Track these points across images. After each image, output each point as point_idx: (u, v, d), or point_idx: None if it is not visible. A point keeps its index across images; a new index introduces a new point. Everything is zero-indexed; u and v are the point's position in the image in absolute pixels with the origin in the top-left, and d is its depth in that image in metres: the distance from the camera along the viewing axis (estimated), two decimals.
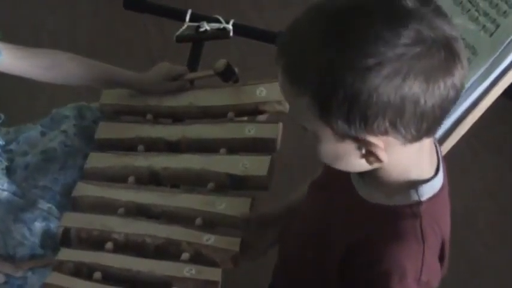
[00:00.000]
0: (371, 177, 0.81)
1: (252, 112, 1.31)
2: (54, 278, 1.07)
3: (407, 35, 0.67)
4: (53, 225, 1.20)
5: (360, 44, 0.67)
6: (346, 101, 0.68)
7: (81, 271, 1.08)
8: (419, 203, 0.79)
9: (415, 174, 0.80)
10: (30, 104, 2.03)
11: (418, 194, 0.79)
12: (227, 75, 1.32)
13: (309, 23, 0.71)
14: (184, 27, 1.45)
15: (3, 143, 1.36)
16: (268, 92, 1.29)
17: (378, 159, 0.74)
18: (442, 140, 1.18)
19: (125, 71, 1.38)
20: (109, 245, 1.11)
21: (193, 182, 1.23)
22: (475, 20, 1.24)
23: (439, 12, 0.70)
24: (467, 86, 1.16)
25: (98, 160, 1.27)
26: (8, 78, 1.34)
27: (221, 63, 1.31)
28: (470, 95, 1.20)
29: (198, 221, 1.14)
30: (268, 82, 1.29)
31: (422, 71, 0.68)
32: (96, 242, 1.13)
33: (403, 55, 0.66)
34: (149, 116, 1.35)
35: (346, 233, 0.84)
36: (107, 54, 1.39)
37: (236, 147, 1.24)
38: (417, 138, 0.74)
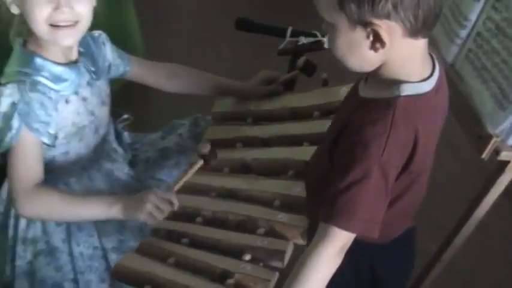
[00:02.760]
0: (372, 77, 0.98)
1: (335, 110, 1.44)
2: (150, 240, 1.27)
3: None
4: None
5: None
6: None
7: (172, 237, 1.27)
8: (398, 97, 0.94)
9: (404, 76, 0.95)
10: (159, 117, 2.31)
11: (399, 90, 0.94)
12: (309, 70, 1.49)
13: None
14: (285, 42, 1.63)
15: (130, 141, 1.62)
16: None
17: (383, 43, 0.90)
18: None
19: (230, 80, 1.59)
20: (198, 219, 1.30)
21: (276, 170, 1.37)
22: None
23: None
24: None
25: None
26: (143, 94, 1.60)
27: (301, 60, 1.48)
28: None
29: (276, 202, 1.29)
30: (349, 84, 1.41)
31: None
32: (187, 217, 1.32)
33: None
34: (249, 120, 1.54)
35: (339, 122, 1.02)
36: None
37: (318, 140, 1.36)
38: (415, 28, 0.90)
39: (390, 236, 1.15)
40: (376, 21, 0.90)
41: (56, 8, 1.22)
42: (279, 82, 1.55)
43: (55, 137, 1.31)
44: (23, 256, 1.42)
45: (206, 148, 1.37)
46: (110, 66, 1.46)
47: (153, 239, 1.28)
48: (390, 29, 0.91)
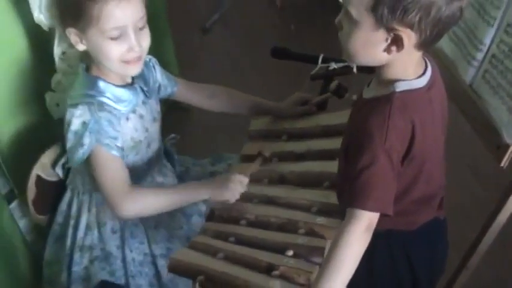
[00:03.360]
0: (375, 79, 1.14)
1: None
2: (199, 238, 1.40)
3: None
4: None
5: None
6: None
7: (220, 236, 1.40)
8: (394, 92, 1.09)
9: (401, 75, 1.10)
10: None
11: (394, 87, 1.09)
12: (340, 93, 1.63)
13: None
14: (317, 68, 1.78)
15: (176, 157, 1.76)
16: None
17: (400, 47, 1.06)
18: None
19: (266, 101, 1.74)
20: (242, 222, 1.43)
21: (312, 181, 1.49)
22: None
23: None
24: None
25: (242, 168, 1.57)
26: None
27: (334, 84, 1.63)
28: None
29: (314, 208, 1.41)
30: None
31: None
32: (232, 220, 1.44)
33: None
34: (284, 137, 1.67)
35: (349, 124, 1.20)
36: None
37: None
38: (426, 41, 1.06)
39: (416, 223, 1.27)
40: (401, 28, 1.05)
41: (129, 49, 1.39)
42: (312, 103, 1.69)
43: (122, 149, 1.45)
44: (80, 262, 1.55)
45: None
46: (159, 87, 1.62)
47: (202, 237, 1.41)
48: (409, 37, 1.06)
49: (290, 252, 1.29)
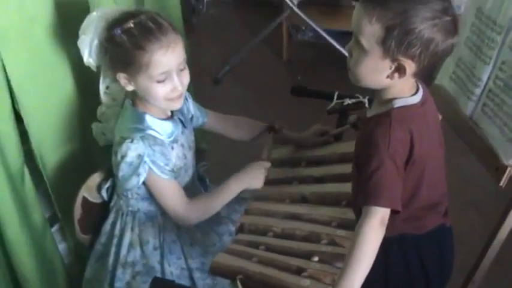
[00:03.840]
0: (376, 100, 1.34)
1: None
2: (234, 246, 1.57)
3: (443, 7, 1.22)
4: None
5: (425, 2, 1.21)
6: (405, 33, 1.21)
7: (251, 245, 1.56)
8: (393, 108, 1.29)
9: (397, 95, 1.31)
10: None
11: (393, 104, 1.29)
12: (357, 125, 1.81)
13: None
14: (333, 104, 1.97)
15: (208, 182, 1.93)
16: None
17: (402, 75, 1.27)
18: None
19: (287, 131, 1.92)
20: (270, 234, 1.59)
21: (331, 201, 1.66)
22: None
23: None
24: None
25: (265, 190, 1.78)
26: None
27: (352, 117, 1.81)
28: None
29: (334, 223, 1.57)
30: None
31: (445, 28, 1.22)
32: (260, 232, 1.61)
33: (440, 17, 1.21)
34: (303, 163, 1.85)
35: (356, 142, 1.39)
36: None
37: None
38: (421, 71, 1.28)
39: (425, 227, 1.45)
40: (404, 59, 1.26)
41: (173, 89, 1.58)
42: (330, 134, 1.88)
43: (173, 171, 1.64)
44: (122, 278, 1.70)
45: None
46: (192, 117, 1.81)
47: (235, 245, 1.57)
48: (410, 66, 1.27)
49: (316, 258, 1.44)
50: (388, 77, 1.30)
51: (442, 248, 1.49)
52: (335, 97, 1.95)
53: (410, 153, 1.31)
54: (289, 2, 3.29)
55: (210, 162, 2.65)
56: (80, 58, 1.64)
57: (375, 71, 1.30)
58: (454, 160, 2.66)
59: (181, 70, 1.60)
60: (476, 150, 1.74)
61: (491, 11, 1.72)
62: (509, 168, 1.60)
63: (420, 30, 1.21)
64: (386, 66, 1.28)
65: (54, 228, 1.96)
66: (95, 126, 1.78)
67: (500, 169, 1.62)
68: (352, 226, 1.50)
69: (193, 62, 3.46)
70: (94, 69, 1.67)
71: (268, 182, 1.80)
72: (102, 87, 1.72)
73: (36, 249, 1.83)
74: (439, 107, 1.92)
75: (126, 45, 1.52)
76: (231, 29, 4.18)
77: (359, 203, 1.30)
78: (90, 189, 1.73)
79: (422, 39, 1.22)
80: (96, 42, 1.58)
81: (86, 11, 1.77)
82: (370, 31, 1.25)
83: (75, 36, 1.63)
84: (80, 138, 1.89)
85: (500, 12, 1.67)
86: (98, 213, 1.77)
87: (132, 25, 1.52)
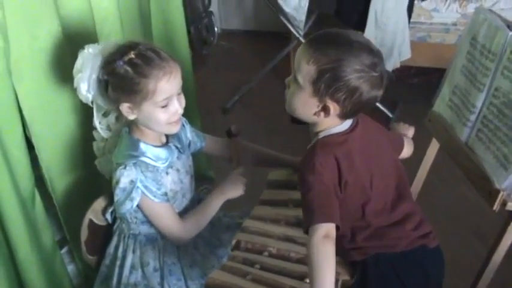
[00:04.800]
0: (310, 134, 1.47)
1: None
2: (229, 263, 1.61)
3: (372, 63, 1.35)
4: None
5: (357, 56, 1.34)
6: (334, 78, 1.34)
7: (246, 263, 1.61)
8: (318, 140, 1.42)
9: (323, 129, 1.45)
10: None
11: (317, 136, 1.43)
12: None
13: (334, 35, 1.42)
14: None
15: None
16: None
17: (326, 114, 1.40)
18: None
19: (286, 155, 1.98)
20: (265, 253, 1.64)
21: None
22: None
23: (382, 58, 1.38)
24: None
25: (261, 211, 1.83)
26: None
27: None
28: None
29: None
30: None
31: (370, 82, 1.36)
32: (256, 251, 1.66)
33: (368, 72, 1.35)
34: (299, 187, 1.89)
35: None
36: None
37: None
38: (346, 115, 1.42)
39: (396, 246, 1.51)
40: (330, 101, 1.40)
41: (174, 113, 1.64)
42: None
43: (166, 194, 1.70)
44: None
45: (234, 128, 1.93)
46: (189, 143, 1.87)
47: (231, 262, 1.62)
48: (335, 108, 1.41)
49: (308, 280, 1.48)
50: (315, 114, 1.44)
51: (425, 268, 1.53)
52: None
53: (340, 175, 1.42)
54: (296, 33, 3.37)
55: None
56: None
57: (305, 105, 1.44)
58: (457, 187, 2.72)
59: (179, 94, 1.66)
60: (471, 176, 1.78)
61: (485, 38, 1.77)
62: (501, 193, 1.64)
63: (348, 79, 1.35)
64: (315, 104, 1.42)
65: (64, 250, 2.03)
66: (97, 162, 1.84)
67: (493, 193, 1.66)
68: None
69: (204, 92, 3.57)
70: (90, 104, 1.71)
71: (264, 202, 1.86)
72: (97, 123, 1.77)
73: (47, 269, 1.90)
74: (437, 133, 1.99)
75: (130, 75, 1.58)
76: (241, 60, 4.30)
77: (303, 227, 1.39)
78: (96, 212, 1.80)
79: (348, 87, 1.37)
80: (94, 77, 1.64)
81: (94, 42, 1.86)
82: (306, 70, 1.40)
83: None
84: (87, 163, 1.95)
85: (494, 40, 1.72)
86: (103, 236, 1.84)
87: (133, 56, 1.58)
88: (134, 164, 1.64)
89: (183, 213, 1.79)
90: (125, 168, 1.63)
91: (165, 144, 1.76)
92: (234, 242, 1.70)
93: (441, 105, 1.98)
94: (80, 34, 1.84)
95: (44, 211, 1.88)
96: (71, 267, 2.05)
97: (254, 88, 3.75)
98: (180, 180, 1.78)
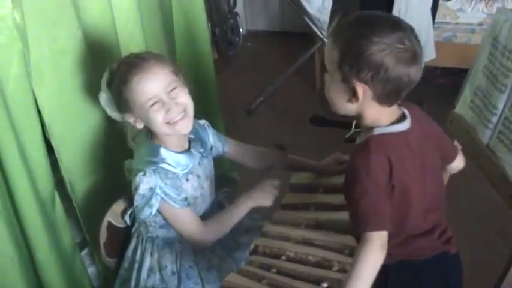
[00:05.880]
0: (361, 129, 1.40)
1: None
2: (246, 267, 1.61)
3: (397, 36, 1.27)
4: None
5: (377, 30, 1.28)
6: (355, 56, 1.28)
7: (263, 267, 1.60)
8: (372, 136, 1.34)
9: (375, 123, 1.37)
10: None
11: (372, 132, 1.35)
12: None
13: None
14: (350, 132, 2.00)
15: None
16: None
17: (357, 98, 1.32)
18: None
19: (307, 159, 1.97)
20: (283, 257, 1.63)
21: (345, 229, 1.67)
22: None
23: (415, 35, 1.30)
24: None
25: (282, 215, 1.83)
26: None
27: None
28: None
29: (346, 251, 1.61)
30: None
31: (396, 55, 1.27)
32: (274, 255, 1.65)
33: (391, 44, 1.27)
34: (321, 190, 1.89)
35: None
36: None
37: None
38: (381, 98, 1.32)
39: (421, 254, 1.48)
40: (357, 82, 1.32)
41: (167, 110, 1.62)
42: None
43: (186, 198, 1.70)
44: None
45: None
46: (212, 147, 1.86)
47: (248, 266, 1.62)
48: (364, 90, 1.33)
49: (325, 284, 1.49)
50: (349, 101, 1.36)
51: (447, 274, 1.50)
52: (353, 126, 1.99)
53: (390, 179, 1.36)
54: (319, 34, 3.35)
55: (239, 189, 2.73)
56: None
57: (338, 94, 1.37)
58: (482, 188, 2.67)
59: (172, 90, 1.63)
60: (492, 178, 1.76)
61: (506, 39, 1.74)
62: None
63: (369, 53, 1.27)
64: (345, 90, 1.35)
65: (84, 252, 2.05)
66: (127, 162, 1.82)
67: None
68: None
69: (228, 93, 3.57)
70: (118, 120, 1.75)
71: (285, 207, 1.85)
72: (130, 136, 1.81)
73: (66, 271, 1.92)
74: (459, 135, 1.96)
75: (118, 86, 1.62)
76: (266, 61, 4.29)
77: (356, 231, 1.35)
78: (115, 214, 1.81)
79: (371, 63, 1.28)
80: (104, 96, 1.69)
81: (114, 43, 1.88)
82: (331, 56, 1.34)
83: (103, 68, 1.72)
84: (107, 165, 1.97)
85: None
86: (122, 238, 1.85)
87: (119, 66, 1.63)
88: (154, 170, 1.64)
89: (203, 218, 1.78)
90: (144, 174, 1.63)
91: (187, 150, 1.75)
92: (252, 246, 1.69)
93: (463, 106, 1.96)
94: (99, 35, 1.85)
95: (63, 213, 1.89)
96: (91, 269, 2.07)
97: (278, 89, 3.74)
98: (200, 186, 1.78)
